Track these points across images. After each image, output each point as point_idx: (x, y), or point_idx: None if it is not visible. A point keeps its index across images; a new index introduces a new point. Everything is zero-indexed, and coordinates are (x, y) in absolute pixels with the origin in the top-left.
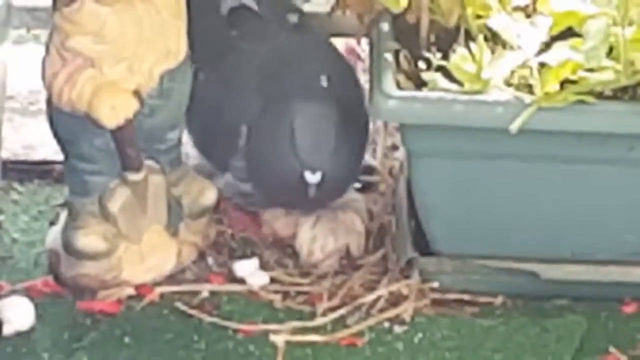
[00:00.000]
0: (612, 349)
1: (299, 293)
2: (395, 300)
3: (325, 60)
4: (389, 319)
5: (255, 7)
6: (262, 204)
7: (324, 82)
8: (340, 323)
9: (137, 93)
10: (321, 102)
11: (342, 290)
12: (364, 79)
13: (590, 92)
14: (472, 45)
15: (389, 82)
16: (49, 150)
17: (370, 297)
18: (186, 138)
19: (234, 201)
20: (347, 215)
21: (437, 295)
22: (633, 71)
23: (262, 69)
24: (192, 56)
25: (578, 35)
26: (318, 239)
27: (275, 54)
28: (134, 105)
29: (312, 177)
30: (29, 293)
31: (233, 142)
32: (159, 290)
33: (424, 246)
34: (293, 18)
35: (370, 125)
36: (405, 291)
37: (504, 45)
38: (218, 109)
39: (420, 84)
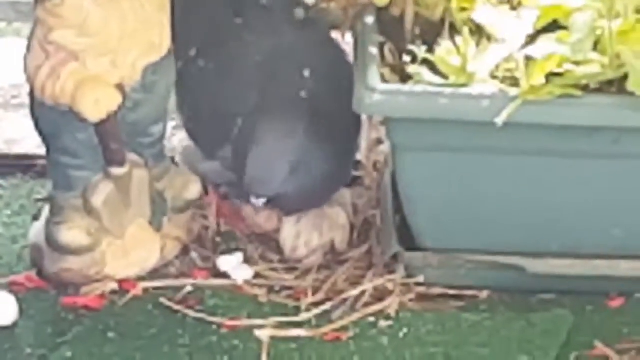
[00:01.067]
0: (598, 343)
1: (283, 288)
2: (380, 295)
3: (320, 59)
4: (374, 314)
5: None
6: (246, 196)
7: (306, 77)
8: (325, 318)
9: (120, 87)
10: (297, 111)
11: (327, 285)
12: None
13: (576, 86)
14: (457, 38)
15: (373, 76)
16: (31, 144)
17: (355, 292)
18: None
19: (220, 189)
20: (333, 210)
21: (422, 290)
22: (619, 64)
23: (263, 63)
24: (193, 41)
25: (564, 28)
26: (302, 234)
27: (278, 50)
28: (117, 99)
29: (256, 201)
30: (12, 288)
31: (226, 131)
32: (143, 285)
33: (409, 241)
34: (300, 13)
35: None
36: (390, 286)
37: (489, 38)
38: (214, 98)
39: (405, 78)
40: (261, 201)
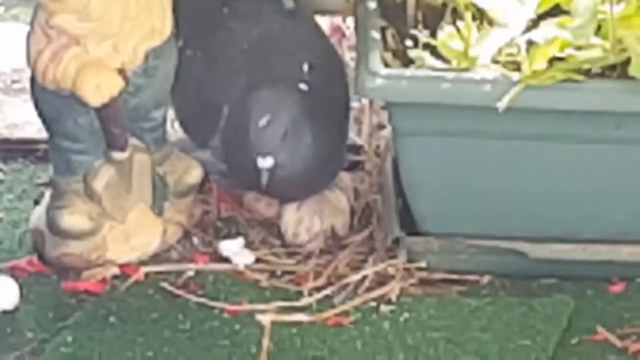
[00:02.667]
0: (599, 328)
1: (284, 272)
2: (382, 279)
3: (313, 50)
4: (376, 299)
5: None
6: (239, 185)
7: (305, 71)
8: (326, 303)
9: (122, 71)
10: (291, 93)
11: (328, 269)
12: (349, 56)
13: (578, 70)
14: (459, 22)
15: (375, 60)
16: (33, 129)
17: (356, 277)
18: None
19: (213, 179)
20: (333, 194)
21: (423, 275)
22: (621, 49)
23: (250, 51)
24: (181, 31)
25: (566, 12)
26: (304, 220)
27: (266, 38)
28: (118, 83)
29: (264, 162)
30: (13, 272)
31: (214, 121)
32: (144, 269)
33: (410, 225)
34: (289, 3)
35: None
36: (391, 271)
37: (491, 22)
38: (202, 87)
39: (407, 62)
40: (268, 162)
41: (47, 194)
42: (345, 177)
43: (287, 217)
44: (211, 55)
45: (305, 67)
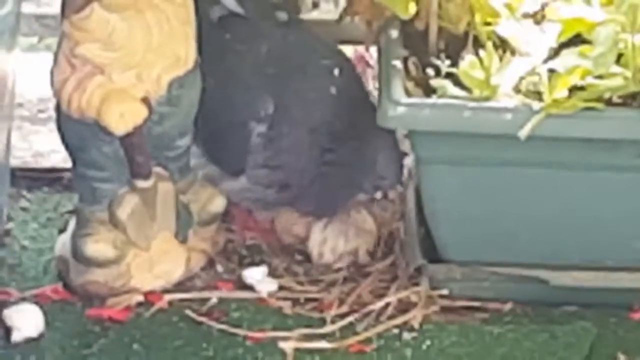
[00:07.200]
0: (621, 356)
1: (308, 300)
2: (404, 307)
3: (331, 57)
4: (398, 326)
5: (242, 12)
6: (278, 208)
7: (336, 75)
8: (349, 330)
9: (146, 100)
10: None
11: (351, 297)
12: (372, 86)
13: (599, 99)
14: (480, 51)
15: (397, 89)
16: (58, 157)
17: (379, 304)
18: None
19: (245, 206)
20: (359, 215)
21: (446, 302)
22: None
23: (265, 66)
24: None
25: (587, 42)
26: (328, 240)
27: (275, 51)
28: (142, 112)
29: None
30: (38, 300)
31: (243, 141)
32: (168, 297)
33: (432, 253)
34: (282, 16)
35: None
36: (414, 298)
37: (513, 52)
38: (224, 111)
39: (429, 91)
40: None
41: (72, 222)
42: (369, 204)
43: (313, 238)
44: (225, 79)
45: (336, 71)
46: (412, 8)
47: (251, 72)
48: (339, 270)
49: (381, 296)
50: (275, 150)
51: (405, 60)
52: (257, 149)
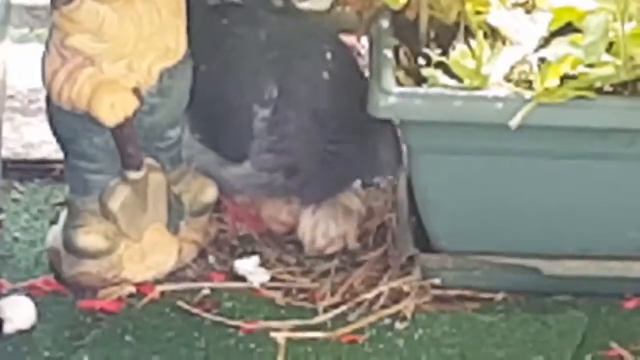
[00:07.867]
0: (613, 344)
1: (299, 290)
2: (396, 296)
3: (329, 42)
4: (390, 316)
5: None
6: (284, 195)
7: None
8: (341, 320)
9: (136, 91)
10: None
11: (343, 287)
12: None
13: (590, 88)
14: (471, 41)
15: (388, 79)
16: (49, 149)
17: (371, 294)
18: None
19: (248, 193)
20: (345, 196)
21: (438, 292)
22: (633, 66)
23: (267, 51)
24: (190, 50)
25: (577, 30)
26: (319, 225)
27: (275, 37)
28: (133, 103)
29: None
30: (30, 292)
31: (246, 125)
32: (160, 288)
33: (424, 243)
34: (278, 2)
35: None
36: (406, 288)
37: (504, 41)
38: (226, 95)
39: (420, 81)
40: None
41: (63, 213)
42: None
43: (303, 223)
44: (226, 62)
45: (329, 55)
46: None
47: (253, 55)
48: (330, 259)
49: (373, 286)
50: (280, 135)
51: (396, 50)
52: (262, 134)
